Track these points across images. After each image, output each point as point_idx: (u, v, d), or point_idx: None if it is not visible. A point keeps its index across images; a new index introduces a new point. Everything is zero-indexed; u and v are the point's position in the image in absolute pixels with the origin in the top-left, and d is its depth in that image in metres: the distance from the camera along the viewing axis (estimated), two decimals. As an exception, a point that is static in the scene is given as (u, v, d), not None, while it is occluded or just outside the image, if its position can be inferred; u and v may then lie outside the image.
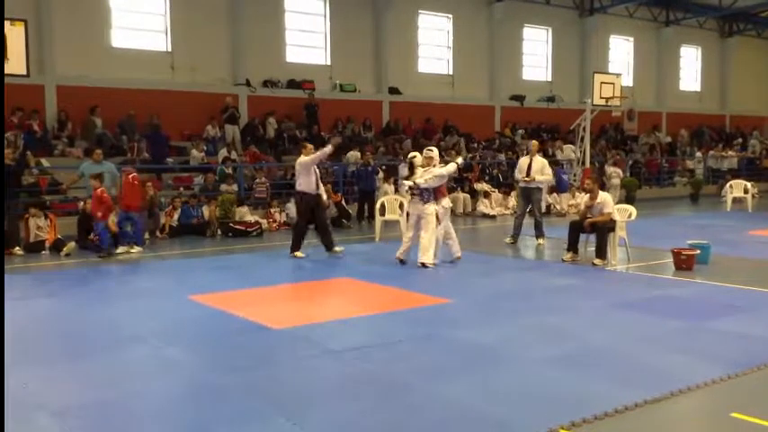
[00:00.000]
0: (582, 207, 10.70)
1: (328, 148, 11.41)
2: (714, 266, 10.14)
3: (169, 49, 19.10)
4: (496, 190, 19.57)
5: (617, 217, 10.59)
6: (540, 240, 12.54)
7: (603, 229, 10.26)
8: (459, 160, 11.44)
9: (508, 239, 12.78)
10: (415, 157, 10.68)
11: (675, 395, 4.85)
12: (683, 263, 9.82)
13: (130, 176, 12.46)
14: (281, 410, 4.53)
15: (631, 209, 11.45)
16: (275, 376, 5.32)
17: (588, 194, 10.50)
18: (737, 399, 4.83)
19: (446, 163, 11.13)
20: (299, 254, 11.07)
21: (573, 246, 10.51)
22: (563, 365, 5.51)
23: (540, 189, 12.87)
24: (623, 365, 5.55)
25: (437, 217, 10.20)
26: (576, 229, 10.51)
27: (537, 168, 12.48)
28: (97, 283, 9.32)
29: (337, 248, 11.30)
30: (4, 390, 3.52)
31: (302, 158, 11.22)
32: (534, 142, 13.42)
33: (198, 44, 19.29)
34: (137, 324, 6.84)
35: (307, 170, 11.09)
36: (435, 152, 10.55)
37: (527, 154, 13.58)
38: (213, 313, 7.26)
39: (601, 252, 10.25)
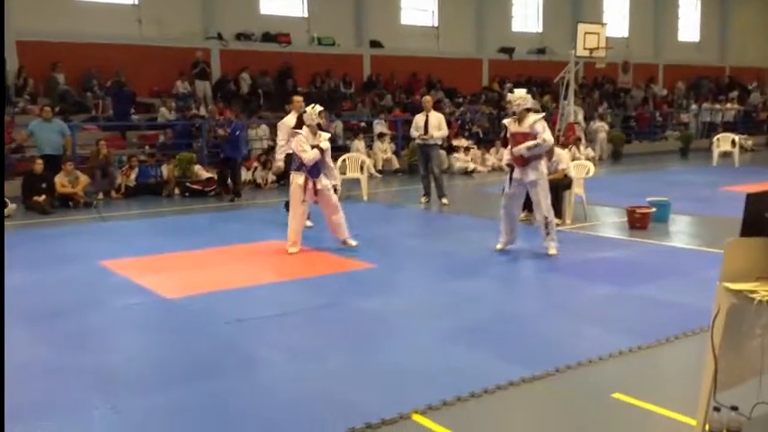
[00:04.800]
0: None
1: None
2: (672, 225, 9.70)
3: (135, 2, 18.45)
4: (476, 146, 19.02)
5: (572, 174, 10.09)
6: (444, 200, 11.98)
7: (558, 186, 9.78)
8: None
9: (422, 200, 12.27)
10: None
11: (561, 372, 4.47)
12: (637, 221, 9.36)
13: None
14: (104, 395, 4.18)
15: (590, 165, 10.94)
16: (125, 353, 5.01)
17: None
18: (625, 377, 4.44)
19: None
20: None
21: (527, 205, 10.03)
22: (456, 338, 5.14)
23: (437, 146, 12.19)
24: (521, 338, 5.18)
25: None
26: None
27: (434, 124, 11.85)
28: (18, 247, 8.98)
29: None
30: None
31: (287, 121, 9.54)
32: (427, 98, 12.68)
33: (166, -4, 18.63)
34: (23, 293, 6.49)
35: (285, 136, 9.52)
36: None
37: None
38: (115, 281, 6.92)
39: (555, 211, 9.78)
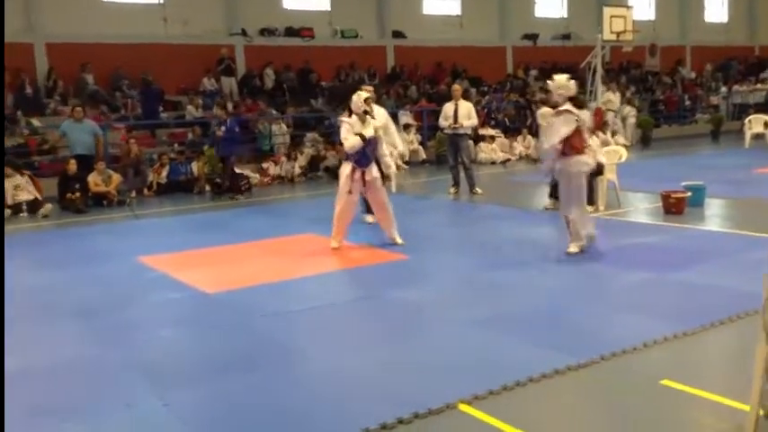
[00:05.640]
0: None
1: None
2: (708, 209, 9.55)
3: (161, 1, 18.59)
4: (503, 134, 18.89)
5: (603, 160, 9.96)
6: (477, 190, 11.82)
7: (590, 173, 9.67)
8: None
9: (451, 190, 12.11)
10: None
11: (606, 359, 4.44)
12: (673, 206, 9.23)
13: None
14: (151, 388, 4.25)
15: (622, 151, 10.81)
16: (167, 348, 5.07)
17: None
18: (672, 363, 4.40)
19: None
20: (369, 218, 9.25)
21: (554, 192, 9.96)
22: (496, 328, 5.12)
23: (467, 135, 12.00)
24: (562, 326, 5.13)
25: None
26: (558, 175, 9.94)
27: (464, 114, 11.67)
28: (56, 245, 9.13)
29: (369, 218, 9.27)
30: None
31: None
32: (456, 86, 12.48)
33: (190, -6, 18.74)
34: (65, 291, 6.61)
35: None
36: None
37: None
38: (153, 277, 7.00)
39: (588, 198, 9.69)
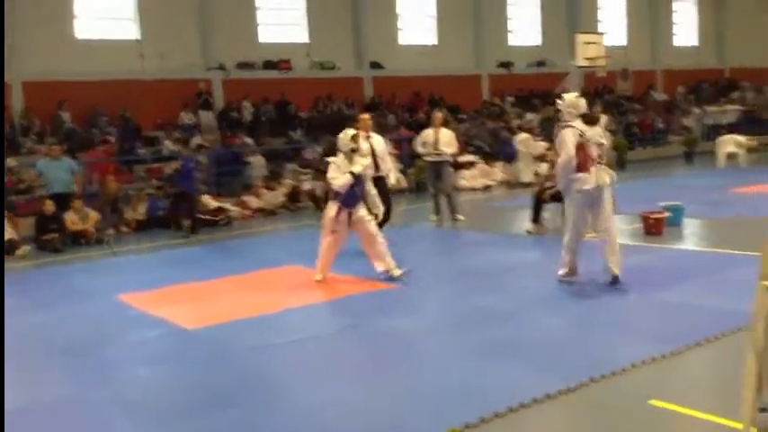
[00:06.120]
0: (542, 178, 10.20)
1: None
2: (686, 229, 9.65)
3: (137, 37, 18.59)
4: (482, 161, 19.01)
5: (607, 181, 10.03)
6: (459, 217, 11.75)
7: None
8: None
9: (433, 217, 12.01)
10: None
11: (596, 381, 4.43)
12: (652, 227, 9.32)
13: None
14: (138, 427, 4.16)
15: (611, 172, 10.87)
16: (148, 386, 4.99)
17: (548, 164, 10.01)
18: (661, 383, 4.40)
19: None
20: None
21: (536, 216, 10.03)
22: (485, 354, 5.10)
23: (448, 162, 11.92)
24: (550, 350, 5.12)
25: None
26: (538, 200, 10.02)
27: (445, 141, 11.60)
28: (34, 285, 8.98)
29: None
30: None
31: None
32: (437, 113, 12.40)
33: (166, 30, 18.76)
34: (44, 331, 6.49)
35: None
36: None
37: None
38: (133, 315, 6.89)
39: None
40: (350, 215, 7.57)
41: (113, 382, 5.02)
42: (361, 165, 7.60)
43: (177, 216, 13.01)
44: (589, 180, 6.68)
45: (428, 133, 11.88)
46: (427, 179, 12.58)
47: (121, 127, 16.94)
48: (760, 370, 3.12)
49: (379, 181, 9.05)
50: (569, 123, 6.74)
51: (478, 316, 6.13)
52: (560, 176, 6.90)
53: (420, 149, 12.05)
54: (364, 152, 8.08)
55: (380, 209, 8.04)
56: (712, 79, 30.55)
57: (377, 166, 9.18)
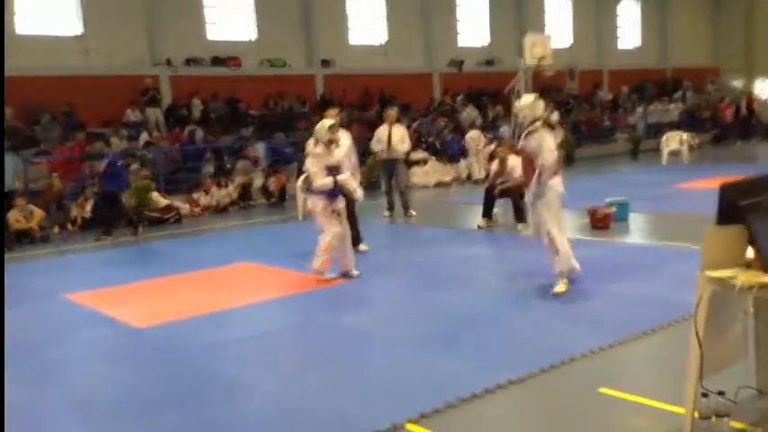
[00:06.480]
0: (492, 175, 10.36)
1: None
2: (632, 223, 9.91)
3: (81, 33, 18.14)
4: (434, 157, 19.16)
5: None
6: (412, 212, 11.93)
7: (516, 194, 9.91)
8: None
9: (386, 213, 12.12)
10: None
11: (546, 371, 4.52)
12: (599, 221, 9.55)
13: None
14: (91, 427, 4.08)
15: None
16: (100, 386, 4.91)
17: (498, 161, 10.17)
18: (610, 371, 4.53)
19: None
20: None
21: (488, 212, 10.17)
22: (438, 347, 5.16)
23: (401, 160, 12.04)
24: (502, 341, 5.22)
25: None
26: (490, 195, 10.17)
27: (397, 138, 11.72)
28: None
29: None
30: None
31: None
32: (391, 111, 12.51)
33: (111, 25, 18.30)
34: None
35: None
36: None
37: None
38: (82, 314, 6.75)
39: (519, 216, 9.93)
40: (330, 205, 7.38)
41: (64, 382, 4.93)
42: (337, 157, 7.40)
43: (107, 217, 12.41)
44: (561, 182, 6.60)
45: (381, 130, 11.95)
46: (380, 176, 12.64)
47: (64, 124, 16.49)
48: (702, 357, 3.25)
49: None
50: (538, 128, 6.37)
51: (431, 310, 6.20)
52: (544, 179, 6.52)
53: (375, 146, 12.12)
54: (341, 144, 7.78)
55: (360, 193, 7.79)
56: (655, 79, 31.41)
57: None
